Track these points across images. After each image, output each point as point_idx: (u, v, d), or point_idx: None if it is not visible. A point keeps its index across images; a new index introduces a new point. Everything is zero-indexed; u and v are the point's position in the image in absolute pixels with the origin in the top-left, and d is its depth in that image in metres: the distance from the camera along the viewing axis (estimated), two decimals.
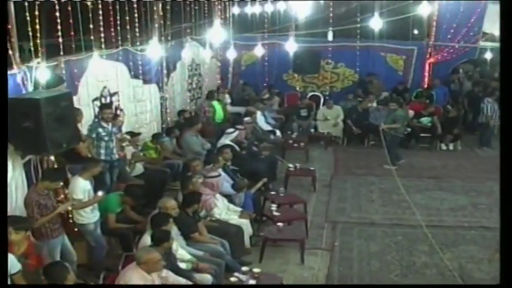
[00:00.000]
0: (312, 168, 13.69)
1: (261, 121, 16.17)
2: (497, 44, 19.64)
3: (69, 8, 10.51)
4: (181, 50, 15.82)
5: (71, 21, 10.51)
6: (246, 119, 14.83)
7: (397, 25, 19.35)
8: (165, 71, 15.15)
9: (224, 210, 10.33)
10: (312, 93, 20.28)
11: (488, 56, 20.11)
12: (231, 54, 17.33)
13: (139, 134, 12.59)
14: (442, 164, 15.79)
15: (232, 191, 11.03)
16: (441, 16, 19.40)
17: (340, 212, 12.21)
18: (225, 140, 13.09)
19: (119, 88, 12.75)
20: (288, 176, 13.38)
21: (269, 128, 16.33)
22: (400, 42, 19.93)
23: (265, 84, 20.22)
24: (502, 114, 11.74)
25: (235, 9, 19.58)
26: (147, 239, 7.96)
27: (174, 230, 8.62)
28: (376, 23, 13.20)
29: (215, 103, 16.23)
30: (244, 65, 20.75)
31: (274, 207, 10.83)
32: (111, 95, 12.42)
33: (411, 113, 16.94)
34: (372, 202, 12.84)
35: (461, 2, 18.97)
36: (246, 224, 10.20)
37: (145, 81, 14.06)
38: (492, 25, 19.14)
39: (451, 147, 17.06)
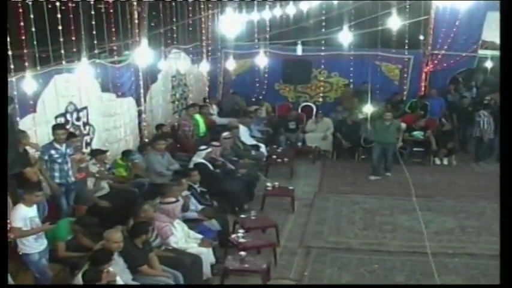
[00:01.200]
0: (290, 187, 12.87)
1: (245, 135, 15.44)
2: (497, 53, 18.81)
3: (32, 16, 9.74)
4: (164, 61, 15.03)
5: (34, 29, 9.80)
6: (225, 134, 14.12)
7: (393, 33, 18.47)
8: (143, 83, 14.38)
9: (183, 238, 9.56)
10: (305, 104, 19.39)
11: (488, 64, 19.10)
12: (226, 64, 17.13)
13: (105, 151, 11.83)
14: (433, 181, 15.00)
15: (197, 216, 10.27)
16: (438, 24, 18.65)
17: (316, 235, 11.42)
18: (197, 158, 12.35)
19: (88, 103, 11.98)
20: (266, 195, 12.59)
21: (253, 142, 15.56)
22: (396, 51, 19.08)
23: (255, 95, 19.29)
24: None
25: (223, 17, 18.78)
26: (78, 278, 7.24)
27: (120, 263, 7.89)
28: (345, 36, 12.20)
29: (197, 116, 15.48)
30: (235, 74, 19.95)
31: (240, 232, 10.02)
32: (78, 110, 11.74)
33: (403, 125, 16.10)
34: (353, 224, 12.04)
35: (459, 9, 18.00)
36: (206, 253, 9.43)
37: (119, 95, 13.30)
38: (492, 33, 18.34)
39: (445, 162, 16.27)
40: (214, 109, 17.79)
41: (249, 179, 12.91)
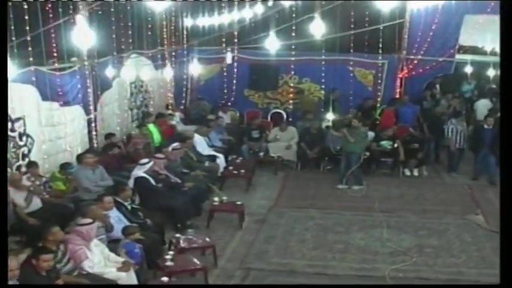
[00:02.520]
0: (239, 202, 11.98)
1: (201, 145, 14.57)
2: (478, 57, 17.98)
3: None
4: (120, 66, 14.20)
5: None
6: (174, 145, 13.26)
7: (366, 37, 17.67)
8: (93, 91, 13.57)
9: (101, 262, 8.69)
10: (275, 111, 18.50)
11: (468, 70, 18.19)
12: (193, 69, 16.65)
13: (37, 164, 11.01)
14: (400, 194, 14.14)
15: (121, 236, 9.40)
16: (414, 27, 17.76)
17: (260, 256, 10.53)
18: (138, 172, 11.47)
19: (24, 112, 11.14)
20: (213, 211, 11.74)
21: (211, 152, 14.68)
22: (369, 56, 18.22)
23: (223, 101, 18.45)
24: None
25: (189, 21, 18.02)
26: None
27: None
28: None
29: (151, 126, 14.65)
30: (203, 80, 19.15)
31: (169, 255, 9.16)
32: (13, 120, 10.87)
33: (371, 134, 15.23)
34: (302, 243, 11.13)
35: (436, 12, 17.18)
36: (125, 277, 8.54)
37: (63, 103, 12.46)
38: (470, 37, 17.51)
39: (415, 173, 15.35)
40: (177, 116, 16.87)
41: (195, 193, 12.00)
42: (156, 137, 14.63)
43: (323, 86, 18.42)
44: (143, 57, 16.36)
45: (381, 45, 17.81)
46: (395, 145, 15.14)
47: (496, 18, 16.58)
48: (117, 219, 9.76)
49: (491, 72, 18.72)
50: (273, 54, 17.16)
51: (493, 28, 17.18)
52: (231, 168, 14.27)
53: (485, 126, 14.31)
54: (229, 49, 18.31)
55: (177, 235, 10.28)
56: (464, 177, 15.12)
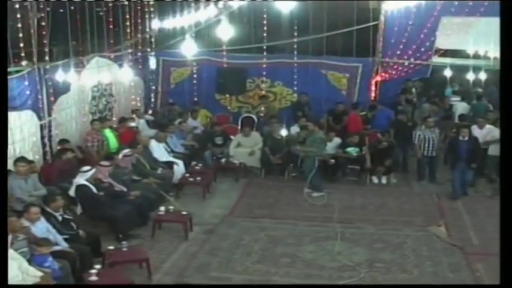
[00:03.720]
0: (184, 212, 11.40)
1: (159, 151, 14.00)
2: (457, 61, 17.38)
3: None
4: (79, 70, 13.69)
5: None
6: (125, 151, 12.72)
7: (340, 40, 17.14)
8: (47, 95, 13.06)
9: (19, 276, 8.17)
10: (246, 115, 17.94)
11: (447, 73, 17.56)
12: (164, 72, 16.10)
13: None
14: (363, 203, 13.54)
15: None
16: (388, 30, 17.19)
17: (200, 269, 9.96)
18: (80, 180, 10.92)
19: None
20: (157, 221, 11.20)
21: (170, 158, 14.12)
22: (343, 59, 17.65)
23: (194, 105, 17.91)
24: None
25: (156, 24, 17.50)
26: None
27: None
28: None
29: (107, 131, 14.11)
30: (174, 83, 18.65)
31: (95, 269, 8.61)
32: None
33: (337, 140, 14.65)
34: (248, 256, 10.53)
35: (411, 14, 16.60)
36: None
37: (11, 108, 11.94)
38: (446, 40, 16.85)
39: (383, 180, 14.75)
40: (142, 121, 16.32)
41: (141, 202, 11.45)
42: (112, 142, 14.07)
43: (295, 89, 17.64)
44: (107, 60, 15.75)
45: (355, 48, 17.14)
46: (363, 152, 14.41)
47: (474, 20, 16.09)
48: (44, 231, 9.18)
49: (472, 76, 18.01)
50: (244, 57, 16.78)
51: (471, 30, 16.63)
52: (187, 175, 13.63)
53: (460, 138, 13.41)
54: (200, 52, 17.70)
55: (110, 247, 9.71)
56: (434, 186, 14.54)
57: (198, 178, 13.52)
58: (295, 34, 17.45)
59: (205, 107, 18.01)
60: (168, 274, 9.84)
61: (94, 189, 11.09)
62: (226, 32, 10.15)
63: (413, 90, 18.52)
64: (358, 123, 15.74)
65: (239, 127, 16.93)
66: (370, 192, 14.25)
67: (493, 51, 18.10)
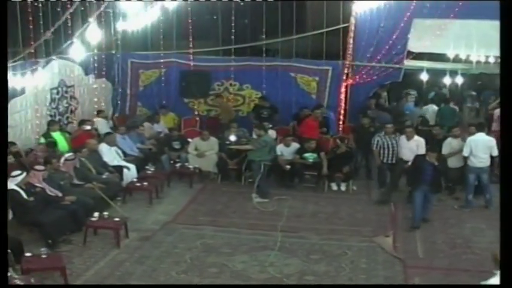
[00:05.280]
0: (117, 219, 11.02)
1: (109, 155, 13.65)
2: (429, 64, 16.89)
3: None
4: (34, 71, 13.34)
5: None
6: (67, 155, 12.37)
7: (309, 42, 16.73)
8: None
9: None
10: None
11: (424, 77, 17.07)
12: (132, 74, 16.66)
13: None
14: (314, 211, 13.09)
15: None
16: (359, 32, 16.67)
17: (122, 278, 9.52)
18: (10, 184, 10.56)
19: None
20: (89, 227, 10.90)
21: (121, 162, 13.78)
22: (313, 62, 17.18)
23: (163, 108, 17.58)
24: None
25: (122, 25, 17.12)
26: None
27: None
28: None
29: (57, 134, 13.79)
30: (142, 86, 18.28)
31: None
32: None
33: (295, 145, 14.21)
34: (176, 265, 10.12)
35: (382, 16, 16.15)
36: None
37: None
38: (418, 43, 16.28)
39: (342, 187, 14.24)
40: (103, 123, 16.00)
41: (76, 207, 11.10)
42: (62, 145, 13.71)
43: (264, 92, 17.24)
44: (68, 61, 15.44)
45: (324, 51, 16.72)
46: (320, 157, 13.98)
47: (447, 22, 15.59)
48: None
49: (448, 80, 17.52)
50: (211, 59, 16.46)
51: (445, 33, 16.14)
52: (135, 180, 13.28)
53: (428, 159, 11.90)
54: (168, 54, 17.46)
55: (28, 254, 9.36)
56: (393, 195, 13.87)
57: (145, 183, 13.07)
58: (264, 36, 17.03)
59: (173, 110, 17.56)
60: (86, 282, 9.48)
61: (24, 194, 10.73)
62: (94, 35, 9.79)
63: (385, 94, 17.96)
64: (315, 128, 15.18)
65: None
66: (325, 200, 13.77)
67: (475, 54, 17.55)
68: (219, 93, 17.76)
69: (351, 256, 10.66)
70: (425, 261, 10.61)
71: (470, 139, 13.14)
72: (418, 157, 12.32)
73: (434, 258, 10.60)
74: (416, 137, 13.38)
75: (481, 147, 12.97)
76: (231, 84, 17.77)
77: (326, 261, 10.42)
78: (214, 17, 17.85)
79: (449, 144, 13.71)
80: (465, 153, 13.06)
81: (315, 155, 14.19)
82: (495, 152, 13.02)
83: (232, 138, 14.67)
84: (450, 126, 14.87)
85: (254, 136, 14.69)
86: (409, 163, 12.76)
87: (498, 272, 6.43)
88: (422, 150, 12.80)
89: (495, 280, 6.57)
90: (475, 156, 12.95)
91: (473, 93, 21.06)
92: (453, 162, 13.58)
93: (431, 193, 11.93)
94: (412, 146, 13.24)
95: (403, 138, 13.48)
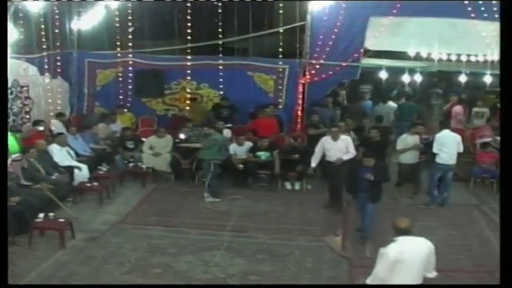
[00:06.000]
0: (62, 220, 10.87)
1: (60, 155, 13.50)
2: (387, 62, 16.92)
3: None
4: None
5: None
6: (14, 156, 12.22)
7: (266, 41, 16.68)
8: None
9: None
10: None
11: (383, 75, 17.09)
12: (89, 74, 16.53)
13: None
14: (266, 210, 13.02)
15: None
16: (315, 30, 16.60)
17: (64, 279, 9.33)
18: None
19: None
20: (34, 228, 10.79)
21: (73, 163, 13.63)
22: (270, 61, 17.18)
23: (120, 108, 17.45)
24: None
25: (79, 24, 17.03)
26: None
27: None
28: None
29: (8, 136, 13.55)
30: (100, 85, 18.14)
31: None
32: None
33: (248, 144, 14.16)
34: (120, 266, 10.00)
35: (338, 14, 16.16)
36: None
37: None
38: (375, 41, 16.29)
39: (297, 186, 14.19)
40: (59, 124, 15.82)
41: (21, 208, 10.94)
42: (12, 145, 13.48)
43: (221, 92, 17.18)
44: (22, 61, 15.27)
45: (281, 49, 16.68)
46: (273, 156, 13.95)
47: (403, 20, 15.63)
48: None
49: (407, 78, 17.57)
50: (168, 58, 16.37)
51: (402, 31, 16.17)
52: (86, 180, 13.16)
53: (364, 164, 10.85)
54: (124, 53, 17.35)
55: None
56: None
57: (95, 183, 12.95)
58: (220, 36, 16.96)
59: (130, 110, 17.43)
60: (29, 283, 9.31)
61: None
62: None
63: (344, 92, 17.96)
64: (270, 126, 15.13)
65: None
66: (278, 199, 13.73)
67: (437, 52, 17.63)
68: (177, 92, 17.58)
69: (297, 256, 10.62)
70: (373, 260, 10.48)
71: (439, 135, 13.13)
72: (352, 162, 11.77)
73: None
74: (343, 136, 12.61)
75: (450, 143, 12.97)
76: (188, 83, 17.60)
77: (272, 261, 10.37)
78: (167, 17, 17.63)
79: (403, 140, 13.71)
80: (435, 150, 13.00)
81: (268, 154, 14.11)
82: (461, 149, 13.05)
83: (182, 136, 14.56)
84: (413, 123, 14.82)
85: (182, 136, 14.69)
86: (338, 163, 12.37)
87: (398, 238, 6.93)
88: (352, 150, 12.42)
89: (394, 246, 6.91)
90: (446, 153, 12.93)
91: (439, 90, 21.13)
92: (407, 158, 13.56)
93: (369, 202, 10.82)
94: (341, 146, 12.48)
95: (328, 139, 12.60)
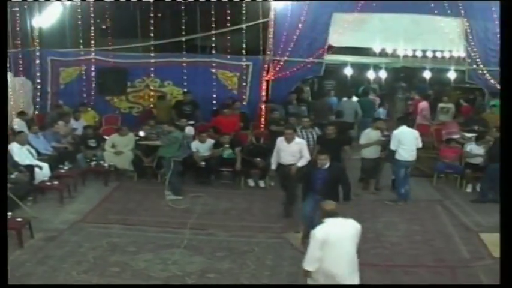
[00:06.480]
0: (19, 219, 10.77)
1: (20, 154, 13.34)
2: (352, 58, 16.99)
3: None
4: None
5: None
6: None
7: (230, 39, 16.65)
8: None
9: None
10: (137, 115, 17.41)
11: (348, 71, 17.15)
12: (52, 72, 16.44)
13: None
14: (228, 208, 12.98)
15: None
16: (279, 27, 16.59)
17: (21, 279, 9.18)
18: None
19: None
20: None
21: (34, 162, 13.48)
22: (233, 58, 17.17)
23: (85, 107, 17.31)
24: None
25: (41, 22, 16.87)
26: None
27: None
28: None
29: None
30: (63, 83, 17.98)
31: None
32: None
33: (210, 141, 14.11)
34: (78, 265, 9.88)
35: (301, 11, 16.19)
36: None
37: None
38: (339, 37, 16.33)
39: (261, 184, 14.14)
40: (20, 123, 15.65)
41: None
42: None
43: (185, 90, 17.13)
44: None
45: (244, 46, 16.66)
46: (235, 153, 13.94)
47: (366, 17, 15.70)
48: None
49: (371, 74, 17.65)
50: (131, 56, 16.28)
51: (365, 27, 16.24)
52: (46, 179, 13.05)
53: (319, 165, 10.28)
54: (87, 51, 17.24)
55: None
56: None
57: (56, 182, 12.85)
58: (184, 33, 16.92)
59: (93, 108, 17.29)
60: None
61: None
62: None
63: (307, 88, 18.00)
64: (232, 123, 15.11)
65: None
66: (241, 196, 13.71)
67: (401, 48, 17.75)
68: (140, 89, 17.50)
69: (257, 253, 10.59)
70: None
71: (397, 132, 13.13)
72: (311, 164, 10.93)
73: None
74: (297, 139, 11.92)
75: (409, 139, 13.01)
76: (152, 81, 17.54)
77: (231, 258, 10.34)
78: (130, 15, 17.53)
79: (367, 135, 13.75)
80: (393, 146, 13.02)
81: (230, 151, 14.06)
82: (420, 144, 13.11)
83: (142, 133, 14.50)
84: (374, 118, 14.87)
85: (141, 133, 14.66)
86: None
87: (325, 220, 7.35)
88: (306, 154, 11.72)
89: (321, 227, 7.32)
90: (405, 149, 12.96)
91: (404, 84, 21.27)
92: (369, 153, 13.62)
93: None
94: (294, 150, 11.75)
95: (282, 140, 11.95)
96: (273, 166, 12.25)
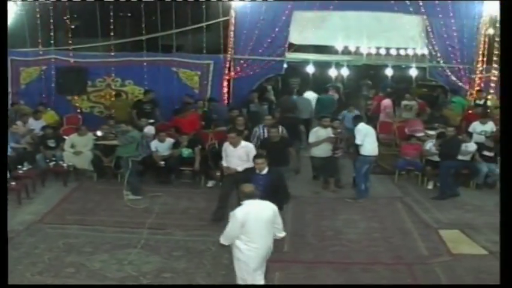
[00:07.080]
0: None
1: None
2: (321, 57, 17.04)
3: None
4: None
5: None
6: None
7: (191, 37, 16.63)
8: None
9: None
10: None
11: (310, 69, 17.19)
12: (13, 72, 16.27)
13: None
14: (187, 207, 12.96)
15: None
16: (239, 25, 16.63)
17: None
18: None
19: None
20: None
21: None
22: (194, 56, 17.18)
23: (45, 107, 17.18)
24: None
25: None
26: None
27: None
28: None
29: None
30: (24, 83, 17.83)
31: None
32: None
33: (169, 140, 14.08)
34: (33, 266, 9.85)
35: (262, 9, 16.20)
36: None
37: None
38: (300, 35, 16.37)
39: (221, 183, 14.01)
40: None
41: None
42: None
43: (146, 88, 17.07)
44: None
45: (205, 45, 16.66)
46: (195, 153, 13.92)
47: (326, 14, 15.76)
48: None
49: (334, 72, 17.73)
50: (91, 55, 16.19)
51: (325, 25, 16.30)
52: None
53: (257, 171, 10.00)
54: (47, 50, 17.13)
55: None
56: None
57: (14, 183, 12.74)
58: (143, 32, 16.88)
59: (54, 108, 17.17)
60: None
61: None
62: None
63: (269, 87, 18.03)
64: (192, 122, 15.09)
65: None
66: (200, 196, 13.67)
67: (363, 46, 17.85)
68: (102, 89, 17.43)
69: (214, 252, 10.57)
70: (290, 255, 10.54)
71: (359, 128, 13.18)
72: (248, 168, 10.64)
73: (299, 252, 10.62)
74: (244, 143, 11.53)
75: (372, 134, 13.12)
76: (113, 80, 17.49)
77: (188, 257, 10.36)
78: (90, 15, 17.44)
79: (315, 133, 13.76)
80: (358, 141, 13.06)
81: (189, 151, 14.05)
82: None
83: (99, 133, 14.44)
84: (320, 116, 14.92)
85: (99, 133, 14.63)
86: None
87: (244, 202, 7.86)
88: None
89: (241, 208, 7.84)
90: (370, 143, 13.05)
91: (369, 82, 21.37)
92: (319, 152, 13.65)
93: None
94: (240, 154, 11.40)
95: (228, 145, 11.62)
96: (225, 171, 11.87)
